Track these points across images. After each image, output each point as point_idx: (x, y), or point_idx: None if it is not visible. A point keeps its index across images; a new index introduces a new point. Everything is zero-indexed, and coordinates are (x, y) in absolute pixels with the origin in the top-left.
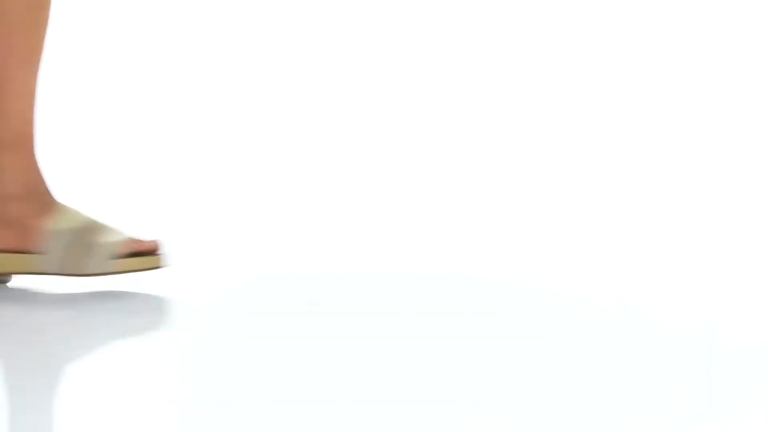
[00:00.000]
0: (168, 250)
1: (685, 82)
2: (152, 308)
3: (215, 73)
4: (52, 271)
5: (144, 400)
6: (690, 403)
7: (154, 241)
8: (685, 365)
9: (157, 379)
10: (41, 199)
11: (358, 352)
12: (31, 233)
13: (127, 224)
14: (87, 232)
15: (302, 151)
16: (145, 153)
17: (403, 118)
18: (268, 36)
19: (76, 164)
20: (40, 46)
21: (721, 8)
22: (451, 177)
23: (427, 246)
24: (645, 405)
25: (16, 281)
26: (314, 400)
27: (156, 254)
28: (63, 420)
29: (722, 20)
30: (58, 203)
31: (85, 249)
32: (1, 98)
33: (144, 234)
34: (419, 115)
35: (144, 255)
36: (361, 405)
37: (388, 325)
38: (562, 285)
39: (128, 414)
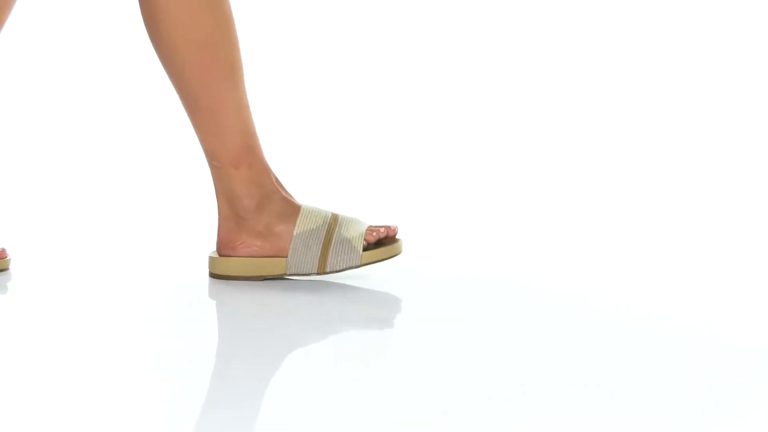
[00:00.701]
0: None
1: (685, 82)
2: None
3: None
4: (301, 272)
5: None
6: (690, 402)
7: (391, 227)
8: (685, 365)
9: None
10: (281, 206)
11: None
12: (279, 239)
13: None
14: (329, 229)
15: (301, 152)
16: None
17: (403, 119)
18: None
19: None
20: (239, 58)
21: (720, 8)
22: (453, 177)
23: (428, 246)
24: (645, 405)
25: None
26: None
27: (396, 240)
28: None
29: (722, 20)
30: (300, 205)
31: (332, 246)
32: (220, 120)
33: (380, 220)
34: (419, 115)
35: (387, 243)
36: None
37: (392, 325)
38: (562, 286)
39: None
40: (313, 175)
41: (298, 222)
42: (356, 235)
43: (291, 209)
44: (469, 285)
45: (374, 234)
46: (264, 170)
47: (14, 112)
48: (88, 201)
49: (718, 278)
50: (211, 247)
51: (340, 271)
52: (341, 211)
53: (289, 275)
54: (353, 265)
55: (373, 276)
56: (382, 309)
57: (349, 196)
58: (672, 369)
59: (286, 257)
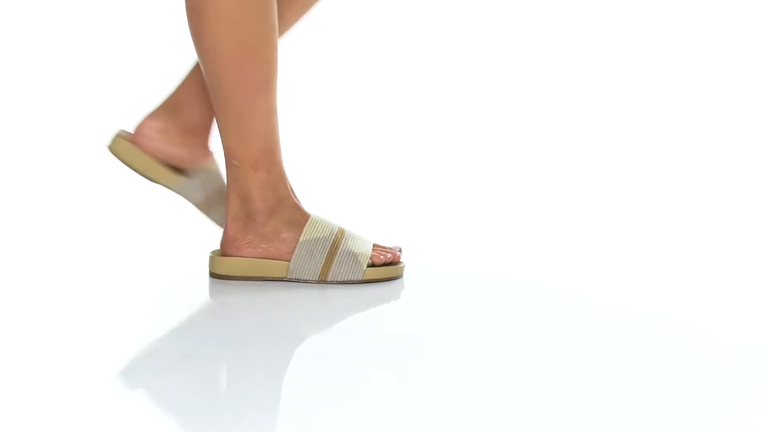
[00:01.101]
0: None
1: (685, 83)
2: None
3: None
4: (302, 278)
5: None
6: (691, 403)
7: (396, 250)
8: (685, 366)
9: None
10: (290, 213)
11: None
12: (284, 244)
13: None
14: (335, 241)
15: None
16: None
17: (404, 119)
18: None
19: None
20: (276, 65)
21: (720, 8)
22: (455, 177)
23: (429, 246)
24: (646, 406)
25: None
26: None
27: (399, 263)
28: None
29: (722, 20)
30: (309, 214)
31: (336, 257)
32: (248, 122)
33: (386, 241)
34: (419, 115)
35: (391, 264)
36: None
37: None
38: (562, 286)
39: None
40: (312, 176)
41: (305, 229)
42: (364, 252)
43: (300, 217)
44: (470, 285)
45: (381, 257)
46: (281, 177)
47: (14, 112)
48: (89, 201)
49: (718, 278)
50: (210, 246)
51: (340, 282)
52: (347, 225)
53: (289, 279)
54: (355, 279)
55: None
56: (384, 307)
57: (350, 194)
58: (673, 369)
59: (289, 261)
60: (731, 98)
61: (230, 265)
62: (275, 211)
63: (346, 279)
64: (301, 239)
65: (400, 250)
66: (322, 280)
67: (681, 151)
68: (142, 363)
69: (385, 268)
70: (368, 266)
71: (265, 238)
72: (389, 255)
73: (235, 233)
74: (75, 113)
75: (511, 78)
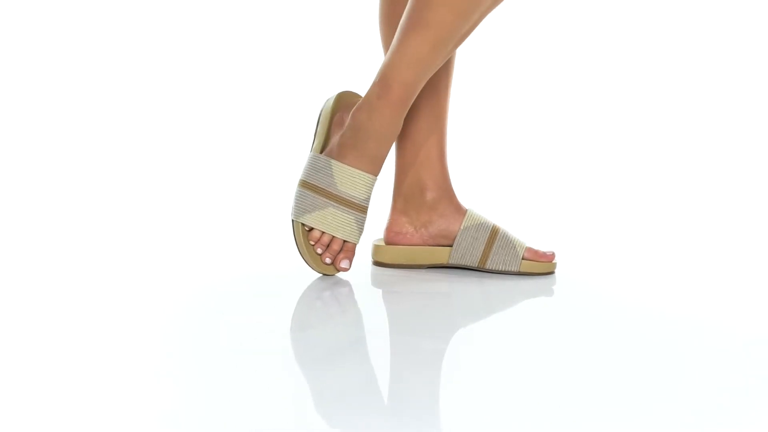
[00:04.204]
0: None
1: (686, 84)
2: None
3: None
4: (461, 263)
5: None
6: (691, 403)
7: (547, 253)
8: (687, 367)
9: None
10: (451, 204)
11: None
12: (444, 231)
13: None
14: (494, 227)
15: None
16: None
17: None
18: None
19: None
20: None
21: (720, 8)
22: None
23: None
24: (647, 405)
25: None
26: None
27: (552, 260)
28: None
29: (722, 20)
30: (466, 208)
31: (495, 242)
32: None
33: (544, 245)
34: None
35: (544, 261)
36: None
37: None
38: (563, 286)
39: None
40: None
41: (463, 220)
42: (520, 242)
43: (458, 209)
44: (474, 284)
45: (533, 253)
46: (447, 174)
47: (37, 115)
48: (91, 201)
49: (719, 279)
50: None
51: (497, 272)
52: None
53: (450, 265)
54: (512, 270)
55: (381, 277)
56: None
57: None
58: (674, 370)
59: (449, 247)
60: (731, 99)
61: (393, 253)
62: (439, 202)
63: (503, 268)
64: (459, 227)
65: (551, 253)
66: (481, 267)
67: (685, 153)
68: (314, 350)
69: (540, 263)
70: (523, 259)
71: (423, 225)
72: (537, 254)
73: (400, 226)
74: (99, 119)
75: (516, 78)
